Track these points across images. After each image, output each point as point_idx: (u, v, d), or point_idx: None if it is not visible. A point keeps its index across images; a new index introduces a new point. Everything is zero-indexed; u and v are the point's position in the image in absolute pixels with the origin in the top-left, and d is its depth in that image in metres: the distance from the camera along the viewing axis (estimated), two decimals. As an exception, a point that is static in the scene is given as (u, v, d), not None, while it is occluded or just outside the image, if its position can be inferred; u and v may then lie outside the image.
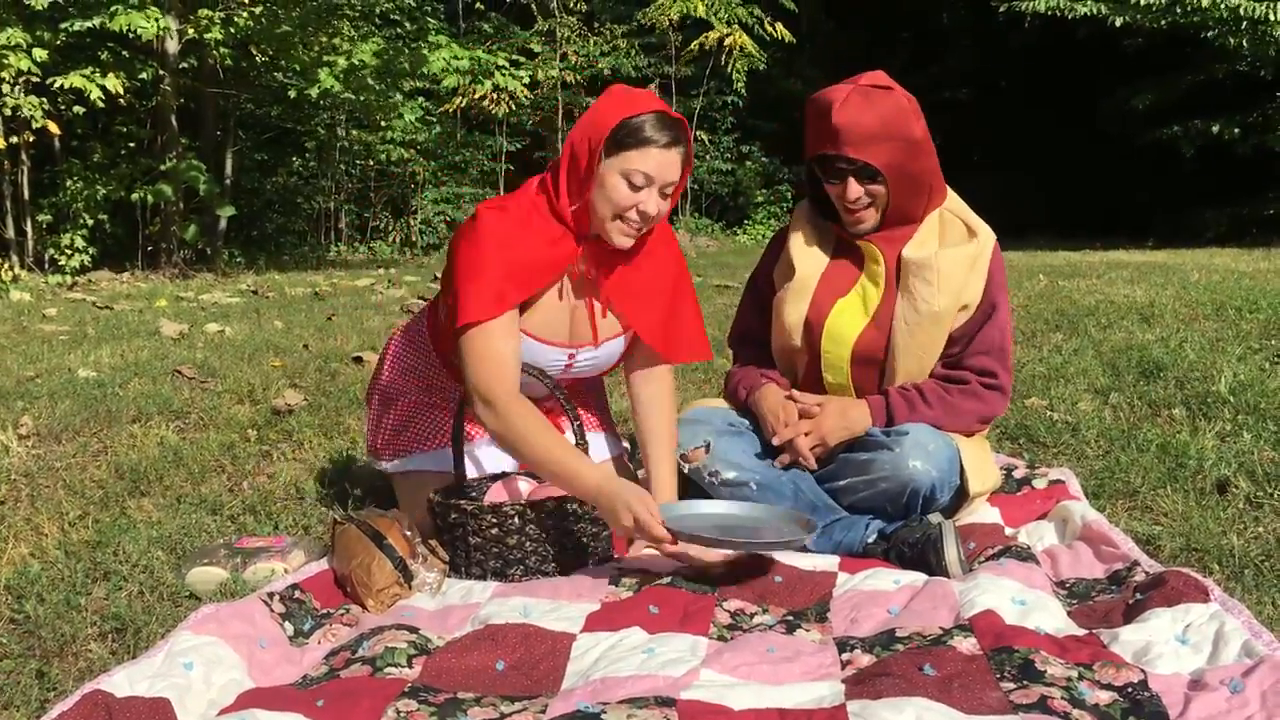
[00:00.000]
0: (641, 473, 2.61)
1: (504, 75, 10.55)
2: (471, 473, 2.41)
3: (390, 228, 14.20)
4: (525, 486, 2.32)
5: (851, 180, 2.34)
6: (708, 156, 16.13)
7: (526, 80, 11.03)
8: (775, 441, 2.44)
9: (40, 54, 8.19)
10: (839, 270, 2.46)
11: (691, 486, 2.47)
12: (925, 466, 2.23)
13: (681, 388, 3.84)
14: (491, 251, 2.17)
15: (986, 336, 2.40)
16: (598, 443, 2.53)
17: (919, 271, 2.36)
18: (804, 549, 2.30)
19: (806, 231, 2.53)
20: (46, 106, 8.58)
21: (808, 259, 2.49)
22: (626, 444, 2.73)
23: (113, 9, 8.38)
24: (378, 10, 11.19)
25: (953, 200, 2.48)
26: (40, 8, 8.02)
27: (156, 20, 8.52)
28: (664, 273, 2.39)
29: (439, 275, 2.55)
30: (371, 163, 13.87)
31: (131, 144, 10.65)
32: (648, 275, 2.36)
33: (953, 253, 2.37)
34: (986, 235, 2.41)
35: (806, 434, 2.40)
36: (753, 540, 2.09)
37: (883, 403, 2.40)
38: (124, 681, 1.57)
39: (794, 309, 2.47)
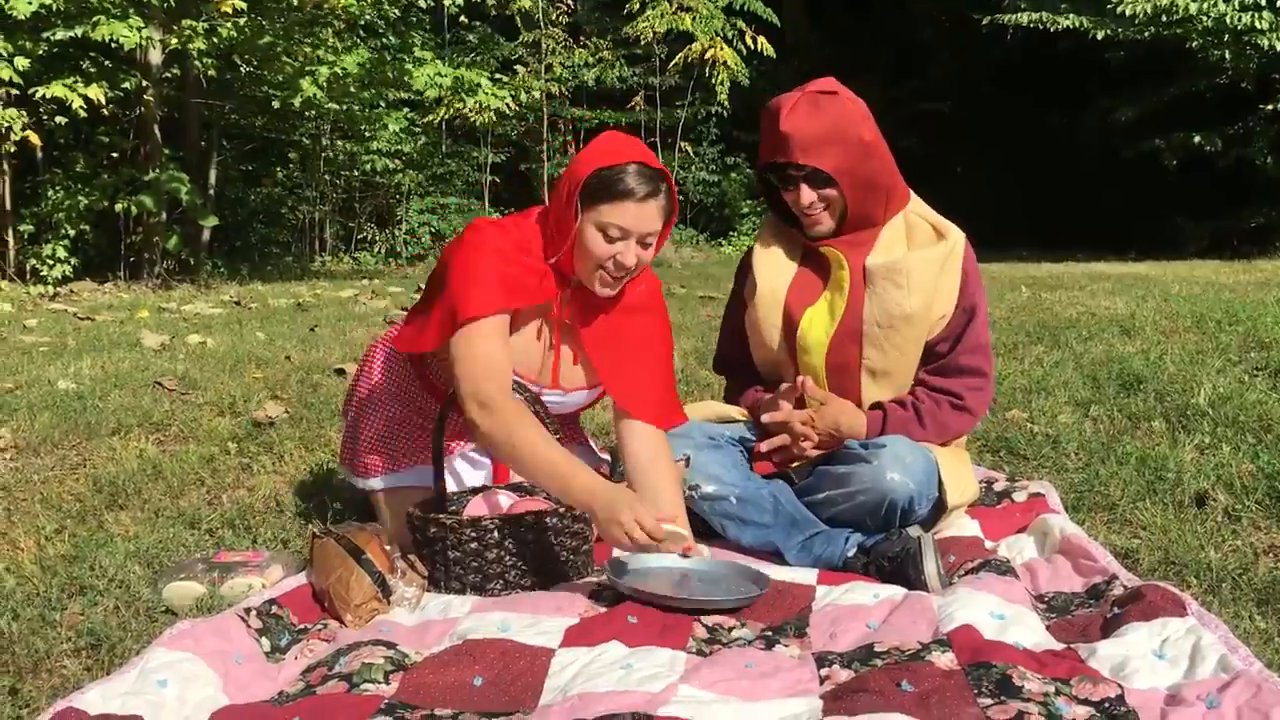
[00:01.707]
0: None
1: (486, 94, 10.54)
2: (450, 486, 2.40)
3: (375, 238, 14.17)
4: (505, 500, 2.32)
5: (804, 186, 2.38)
6: (693, 168, 16.15)
7: (508, 99, 11.02)
8: (767, 418, 2.45)
9: (22, 63, 8.15)
10: (807, 279, 2.48)
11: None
12: (903, 479, 2.24)
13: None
14: (490, 258, 2.18)
15: (972, 335, 2.43)
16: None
17: (889, 275, 2.37)
18: (784, 563, 2.30)
19: (770, 245, 2.55)
20: (27, 118, 8.53)
21: (771, 271, 2.51)
22: (607, 455, 2.72)
23: (95, 19, 8.34)
24: (362, 21, 11.17)
25: (917, 203, 2.51)
26: (22, 16, 7.97)
27: (139, 30, 8.48)
28: (645, 332, 2.36)
29: (423, 286, 2.54)
30: (356, 173, 13.85)
31: (114, 154, 10.57)
32: (628, 332, 2.33)
33: (922, 254, 2.39)
34: (956, 235, 2.44)
35: (803, 424, 2.42)
36: (702, 598, 1.99)
37: (880, 420, 2.42)
38: (97, 699, 1.56)
39: (767, 320, 2.48)
